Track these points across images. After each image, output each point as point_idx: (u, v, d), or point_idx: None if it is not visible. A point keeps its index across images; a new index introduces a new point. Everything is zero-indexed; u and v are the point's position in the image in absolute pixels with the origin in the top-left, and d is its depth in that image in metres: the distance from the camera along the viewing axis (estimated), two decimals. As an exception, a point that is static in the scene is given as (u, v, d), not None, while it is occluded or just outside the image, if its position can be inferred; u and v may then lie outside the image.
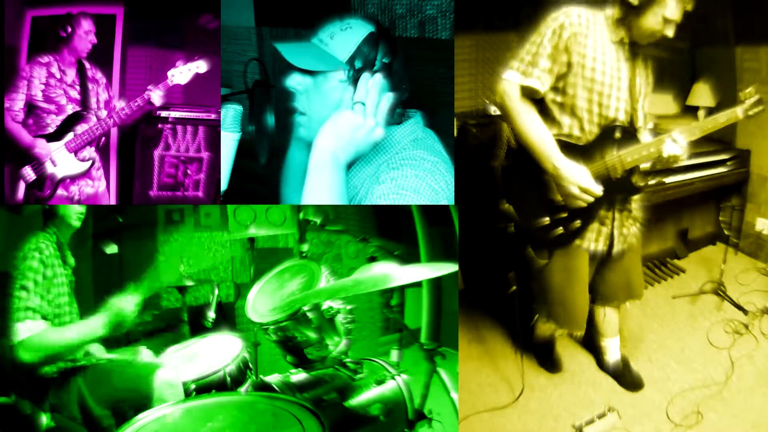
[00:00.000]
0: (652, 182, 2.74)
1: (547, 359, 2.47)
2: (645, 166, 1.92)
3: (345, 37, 1.62)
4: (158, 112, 2.87)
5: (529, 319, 2.27)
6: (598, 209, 1.92)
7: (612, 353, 2.40)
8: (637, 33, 1.78)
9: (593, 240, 1.99)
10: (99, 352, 1.90)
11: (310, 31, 1.73)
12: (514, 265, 2.35)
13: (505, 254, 2.33)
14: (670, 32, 1.74)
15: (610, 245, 2.01)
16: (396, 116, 1.68)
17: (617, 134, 1.82)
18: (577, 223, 1.92)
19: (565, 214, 1.91)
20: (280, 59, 1.64)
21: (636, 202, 2.04)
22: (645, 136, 1.89)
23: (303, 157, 1.68)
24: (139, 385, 1.67)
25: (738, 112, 1.82)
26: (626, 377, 2.36)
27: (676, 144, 1.80)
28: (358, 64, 1.60)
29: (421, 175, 1.59)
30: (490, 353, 2.58)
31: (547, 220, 1.92)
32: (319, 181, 1.58)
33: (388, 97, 1.63)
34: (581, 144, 1.85)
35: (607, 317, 2.32)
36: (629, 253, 2.08)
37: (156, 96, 2.48)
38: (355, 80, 1.62)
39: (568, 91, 1.81)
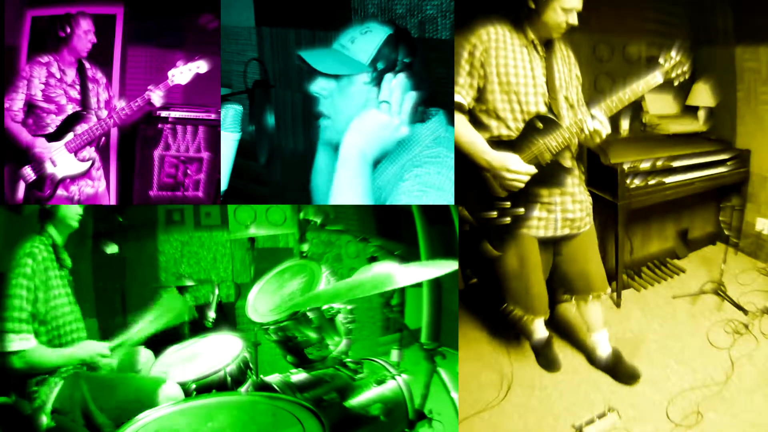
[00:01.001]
0: (652, 182, 2.75)
1: (545, 358, 2.48)
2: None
3: (365, 40, 1.67)
4: (158, 112, 2.87)
5: (500, 311, 2.36)
6: (536, 193, 2.07)
7: (602, 348, 2.41)
8: (545, 31, 1.99)
9: (542, 227, 2.14)
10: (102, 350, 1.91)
11: (309, 32, 1.74)
12: (471, 261, 2.67)
13: (465, 252, 2.47)
14: (573, 20, 1.92)
15: (555, 229, 2.14)
16: (419, 114, 1.73)
17: (538, 124, 1.99)
18: (521, 210, 2.06)
19: (508, 204, 2.05)
20: (290, 61, 1.67)
21: (579, 186, 2.15)
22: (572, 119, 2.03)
23: (330, 160, 1.75)
24: (143, 398, 1.68)
25: (657, 76, 1.94)
26: (620, 370, 2.37)
27: (596, 119, 1.94)
28: (380, 65, 1.66)
29: (444, 172, 1.66)
30: (490, 353, 2.58)
31: (494, 213, 2.06)
32: (347, 176, 1.64)
33: (411, 96, 1.69)
34: (511, 140, 2.02)
35: (588, 311, 2.36)
36: (583, 242, 2.21)
37: (156, 96, 2.48)
38: (378, 81, 1.67)
39: (489, 98, 2.01)
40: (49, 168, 2.51)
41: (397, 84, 1.66)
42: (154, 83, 2.49)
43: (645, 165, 2.74)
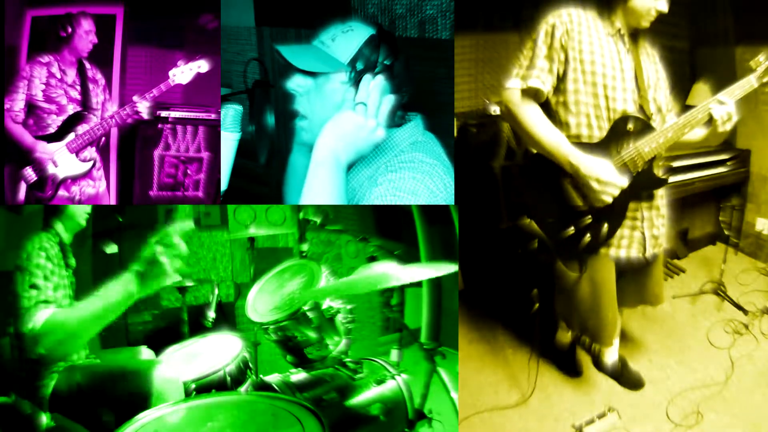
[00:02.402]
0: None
1: (569, 365, 2.41)
2: (692, 137, 1.83)
3: (346, 39, 1.63)
4: (158, 112, 2.87)
5: (550, 329, 2.22)
6: (624, 208, 1.82)
7: (610, 355, 2.40)
8: (633, 18, 1.77)
9: (625, 246, 1.89)
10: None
11: (310, 32, 1.73)
12: (539, 282, 2.23)
13: (528, 270, 2.23)
14: (663, 6, 1.74)
15: (644, 249, 1.90)
16: (396, 118, 1.68)
17: (629, 126, 1.75)
18: (605, 227, 1.81)
19: (589, 220, 1.80)
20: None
21: (663, 198, 1.95)
22: (659, 124, 1.83)
23: (305, 161, 1.69)
24: (139, 382, 1.67)
25: (752, 80, 1.77)
26: (626, 377, 2.35)
27: (725, 105, 1.73)
28: (359, 65, 1.62)
29: (419, 178, 1.60)
30: (490, 353, 2.58)
31: (572, 229, 1.82)
32: (319, 179, 1.59)
33: (389, 99, 1.64)
34: (593, 142, 1.79)
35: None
36: (657, 258, 2.00)
37: (143, 107, 2.48)
38: (356, 82, 1.63)
39: (570, 88, 1.77)
40: (51, 168, 2.51)
41: (375, 86, 1.61)
42: (154, 85, 2.49)
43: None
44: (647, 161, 1.77)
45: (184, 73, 2.48)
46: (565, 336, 2.43)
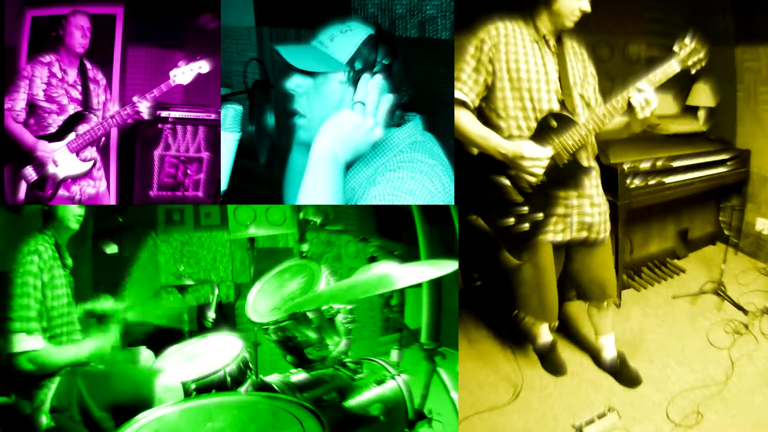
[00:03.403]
0: (652, 182, 2.75)
1: (550, 363, 2.47)
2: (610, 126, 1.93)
3: (345, 39, 1.64)
4: (158, 112, 2.87)
5: (511, 318, 2.32)
6: (554, 196, 1.99)
7: (608, 350, 2.41)
8: (558, 20, 1.90)
9: (559, 231, 2.05)
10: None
11: (310, 32, 1.73)
12: (480, 268, 2.61)
13: (474, 259, 2.45)
14: (586, 6, 1.85)
15: (571, 231, 2.06)
16: (395, 118, 1.69)
17: (552, 123, 1.90)
18: (539, 215, 1.98)
19: (526, 209, 1.98)
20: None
21: (596, 188, 2.07)
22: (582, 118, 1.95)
23: (305, 160, 1.70)
24: (140, 389, 1.67)
25: (674, 65, 1.85)
26: (624, 374, 2.37)
27: (643, 92, 1.81)
28: (358, 65, 1.62)
29: (418, 178, 1.61)
30: (490, 353, 2.58)
31: (512, 219, 1.99)
32: (317, 178, 1.60)
33: (388, 99, 1.64)
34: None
35: (599, 316, 2.34)
36: (600, 249, 2.13)
37: (143, 106, 2.48)
38: (355, 81, 1.63)
39: (498, 95, 1.93)
40: (51, 168, 2.51)
41: (373, 85, 1.62)
42: (154, 85, 2.49)
43: (645, 165, 2.73)
44: (571, 153, 1.91)
45: (184, 73, 2.48)
46: (544, 335, 2.46)
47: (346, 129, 1.60)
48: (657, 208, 2.99)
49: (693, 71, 1.88)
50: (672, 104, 3.32)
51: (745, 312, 2.74)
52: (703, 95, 3.14)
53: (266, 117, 1.84)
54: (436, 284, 3.51)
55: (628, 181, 2.67)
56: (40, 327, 1.72)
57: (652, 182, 2.75)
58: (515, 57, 1.90)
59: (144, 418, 1.37)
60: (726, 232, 3.33)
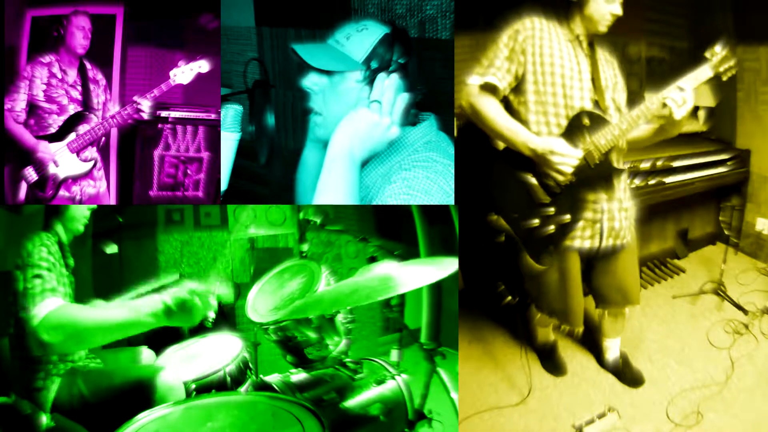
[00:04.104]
0: (652, 182, 2.75)
1: (551, 362, 2.46)
2: (643, 131, 1.91)
3: (361, 38, 1.65)
4: (158, 112, 2.87)
5: (526, 318, 2.29)
6: (584, 199, 1.93)
7: (612, 352, 2.41)
8: (590, 24, 1.87)
9: (588, 237, 1.98)
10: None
11: (310, 32, 1.74)
12: (505, 275, 2.34)
13: (498, 264, 2.32)
14: (617, 10, 1.83)
15: (601, 239, 1.99)
16: (410, 117, 1.70)
17: (585, 121, 1.84)
18: (567, 217, 1.91)
19: (552, 211, 1.91)
20: (290, 60, 1.65)
21: (625, 192, 2.03)
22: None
23: (318, 158, 1.71)
24: (142, 389, 1.67)
25: (706, 70, 1.81)
26: (626, 374, 2.36)
27: (684, 91, 1.77)
28: (374, 64, 1.63)
29: (433, 177, 1.62)
30: (490, 353, 2.58)
31: (536, 221, 1.92)
32: (333, 176, 1.61)
33: (404, 97, 1.66)
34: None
35: (611, 320, 2.31)
36: (624, 254, 2.06)
37: (145, 105, 2.48)
38: (371, 80, 1.64)
39: (529, 88, 1.88)
40: (52, 168, 2.51)
41: (390, 84, 1.63)
42: (154, 85, 2.49)
43: (645, 165, 2.73)
44: (604, 153, 1.85)
45: (184, 73, 2.48)
46: (547, 334, 2.44)
47: (362, 127, 1.61)
48: (657, 208, 2.99)
49: (724, 78, 1.83)
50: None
51: (745, 312, 2.74)
52: (703, 95, 3.14)
53: (266, 117, 1.84)
54: (436, 284, 3.51)
55: (628, 181, 2.67)
56: (58, 292, 1.55)
57: (652, 182, 2.74)
58: (549, 51, 1.86)
59: (144, 418, 1.37)
60: (726, 232, 3.33)
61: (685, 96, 1.78)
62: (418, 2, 2.24)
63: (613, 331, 2.36)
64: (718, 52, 1.81)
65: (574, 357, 2.53)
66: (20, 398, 1.71)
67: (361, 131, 1.61)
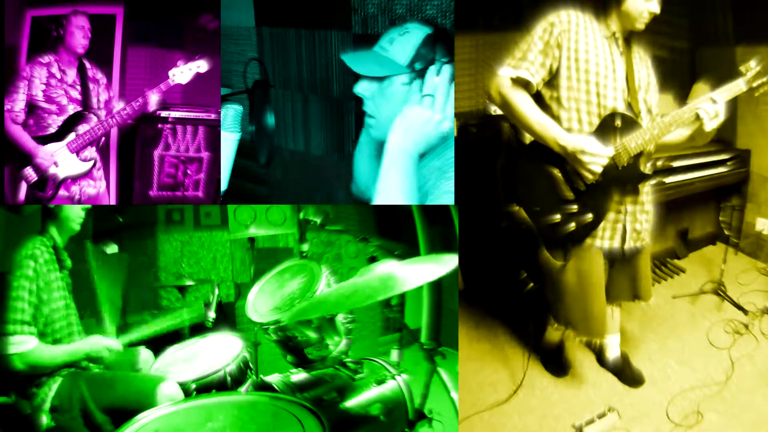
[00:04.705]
0: (652, 182, 2.74)
1: (556, 363, 2.43)
2: (672, 138, 1.90)
3: (403, 41, 1.70)
4: (158, 112, 2.87)
5: (542, 322, 2.25)
6: (609, 200, 1.90)
7: (612, 350, 2.41)
8: (627, 21, 1.84)
9: (608, 237, 1.96)
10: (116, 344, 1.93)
11: (310, 32, 1.76)
12: (527, 266, 2.30)
13: (515, 255, 2.29)
14: (655, 8, 1.80)
15: (623, 241, 1.97)
16: None
17: (617, 122, 1.82)
18: (589, 216, 1.89)
19: (575, 208, 1.89)
20: (290, 60, 1.66)
21: (648, 195, 2.02)
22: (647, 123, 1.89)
23: (372, 151, 1.85)
24: (142, 397, 1.68)
25: (741, 84, 1.83)
26: (626, 373, 2.36)
27: (718, 104, 1.78)
28: (418, 66, 1.68)
29: None
30: (490, 353, 2.58)
31: (558, 217, 1.89)
32: (393, 174, 1.66)
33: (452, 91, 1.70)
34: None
35: (615, 315, 2.32)
36: (640, 252, 2.05)
37: (153, 99, 2.49)
38: (420, 77, 1.69)
39: (562, 84, 1.85)
40: (51, 168, 2.51)
41: (441, 78, 1.67)
42: (149, 87, 2.49)
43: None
44: (632, 156, 1.84)
45: (183, 73, 2.48)
46: (553, 334, 2.43)
47: (416, 123, 1.66)
48: (657, 208, 2.99)
49: (756, 94, 1.84)
50: (672, 104, 3.31)
51: (745, 312, 2.74)
52: (702, 95, 3.14)
53: (266, 117, 1.84)
54: (436, 284, 3.51)
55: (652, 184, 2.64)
56: (36, 330, 1.73)
57: (652, 182, 2.74)
58: (585, 47, 1.83)
59: (144, 418, 1.37)
60: (726, 232, 3.33)
61: (718, 109, 1.79)
62: (418, 2, 2.24)
63: (611, 327, 2.36)
64: (752, 67, 1.82)
65: (575, 357, 2.53)
66: (20, 398, 1.71)
67: (414, 127, 1.66)
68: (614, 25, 1.86)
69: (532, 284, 2.31)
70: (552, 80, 1.86)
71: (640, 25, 1.84)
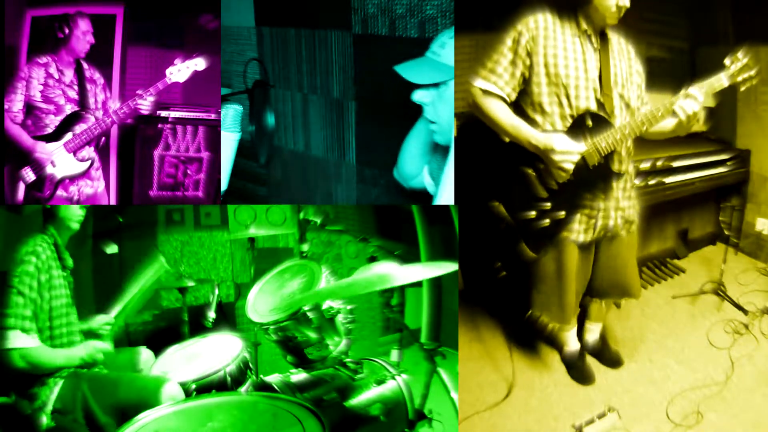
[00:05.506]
0: (652, 182, 2.75)
1: (579, 371, 2.42)
2: (661, 128, 1.90)
3: (453, 45, 1.71)
4: (158, 112, 2.87)
5: (524, 313, 2.28)
6: (580, 197, 1.96)
7: (592, 334, 2.44)
8: (598, 17, 1.84)
9: (581, 231, 2.01)
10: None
11: (309, 32, 1.76)
12: (503, 258, 2.45)
13: (496, 250, 2.39)
14: (624, 1, 1.81)
15: (594, 234, 2.03)
16: None
17: (588, 122, 1.85)
18: (561, 213, 1.95)
19: (549, 206, 1.95)
20: (290, 61, 1.66)
21: (625, 191, 2.05)
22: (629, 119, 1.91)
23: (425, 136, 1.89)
24: (145, 398, 1.67)
25: (722, 79, 1.80)
26: (605, 354, 2.39)
27: (690, 97, 1.78)
28: None
29: None
30: (490, 353, 2.58)
31: (533, 213, 1.96)
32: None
33: None
34: None
35: (597, 306, 2.35)
36: (622, 249, 2.10)
37: (147, 102, 2.48)
38: None
39: (534, 90, 1.88)
40: (49, 168, 2.51)
41: None
42: (144, 88, 2.49)
43: (645, 165, 2.73)
44: (603, 156, 1.86)
45: (180, 71, 2.47)
46: (571, 343, 2.44)
47: None
48: (657, 208, 2.99)
49: (742, 88, 1.82)
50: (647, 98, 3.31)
51: (745, 312, 2.73)
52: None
53: (266, 117, 1.84)
54: (436, 284, 3.51)
55: (632, 182, 2.66)
56: (36, 327, 1.73)
57: (652, 182, 2.75)
58: (554, 51, 1.85)
59: (144, 418, 1.37)
60: (726, 232, 3.33)
61: (694, 105, 1.78)
62: (418, 2, 2.24)
63: (598, 316, 2.39)
64: (739, 58, 1.77)
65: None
66: (20, 398, 1.71)
67: None
68: (584, 22, 1.87)
69: (504, 272, 2.49)
70: (526, 87, 1.90)
71: (612, 20, 1.85)
